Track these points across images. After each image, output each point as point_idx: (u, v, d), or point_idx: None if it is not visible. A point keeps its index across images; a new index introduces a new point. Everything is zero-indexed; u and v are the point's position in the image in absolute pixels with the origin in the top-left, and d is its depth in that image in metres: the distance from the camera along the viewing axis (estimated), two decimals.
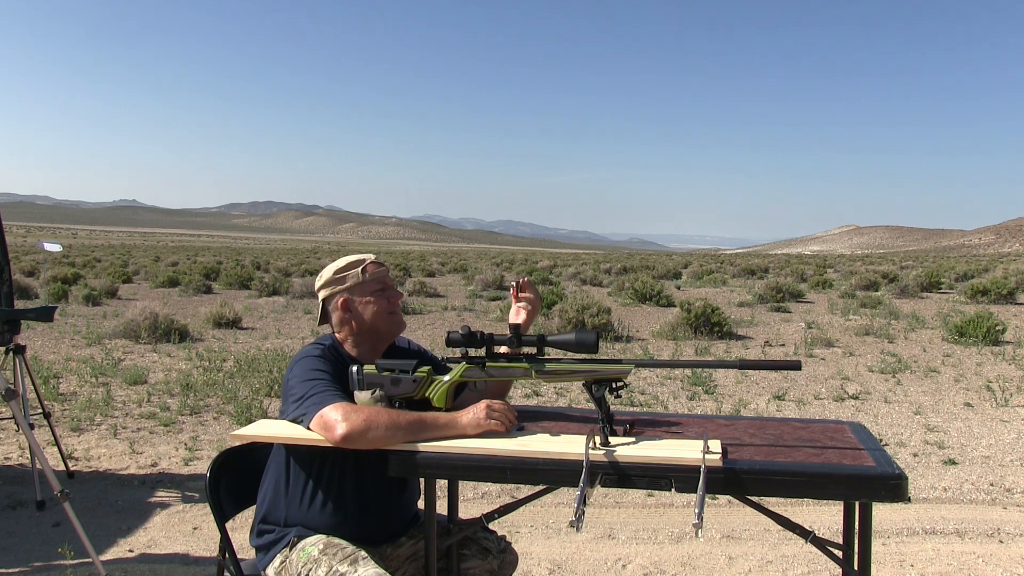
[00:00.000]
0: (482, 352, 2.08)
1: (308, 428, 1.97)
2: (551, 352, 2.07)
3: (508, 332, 2.07)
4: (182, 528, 4.05)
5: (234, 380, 7.53)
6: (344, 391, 2.03)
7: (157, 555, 3.70)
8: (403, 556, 2.19)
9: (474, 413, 1.97)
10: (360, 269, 2.20)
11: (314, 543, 2.00)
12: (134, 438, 5.68)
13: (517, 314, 2.30)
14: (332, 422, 1.89)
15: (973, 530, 4.16)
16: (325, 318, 2.25)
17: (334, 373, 2.08)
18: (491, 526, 2.20)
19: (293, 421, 2.03)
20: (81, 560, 3.47)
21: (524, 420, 2.19)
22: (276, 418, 2.14)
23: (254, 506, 2.22)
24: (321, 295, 2.23)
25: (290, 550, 2.03)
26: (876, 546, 3.80)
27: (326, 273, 2.23)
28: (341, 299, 2.19)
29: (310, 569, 1.94)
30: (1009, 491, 4.80)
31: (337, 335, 2.23)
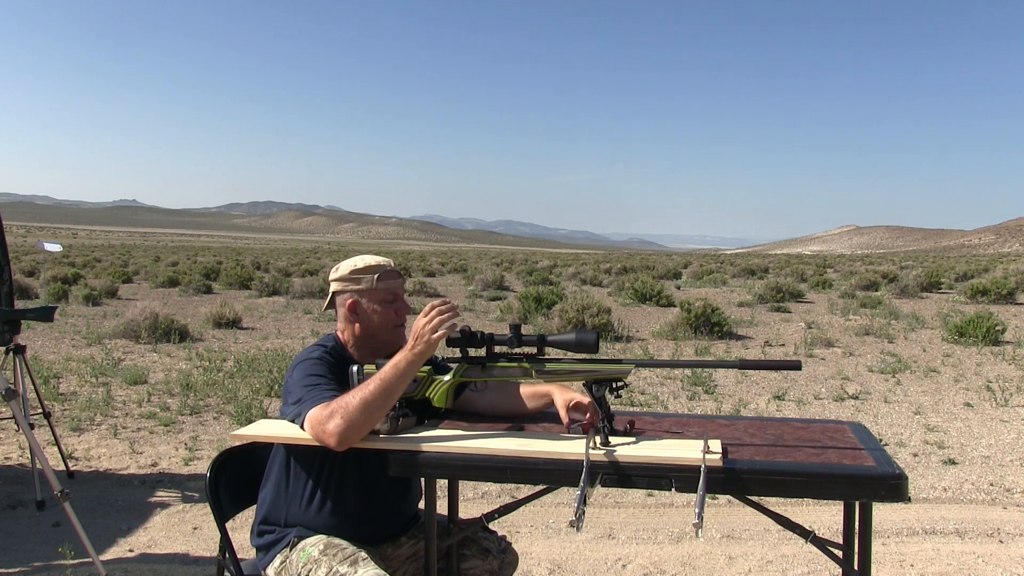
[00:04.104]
0: (482, 352, 2.08)
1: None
2: (551, 352, 2.07)
3: (508, 332, 2.07)
4: (182, 528, 4.05)
5: (234, 380, 7.54)
6: (343, 390, 2.03)
7: (157, 555, 3.70)
8: (403, 556, 2.19)
9: (427, 338, 1.91)
10: (376, 276, 2.19)
11: (314, 543, 2.00)
12: (134, 438, 5.68)
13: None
14: (321, 434, 1.89)
15: (973, 530, 4.16)
16: (332, 306, 2.26)
17: (335, 375, 2.07)
18: (491, 526, 2.20)
19: (291, 422, 2.03)
20: (81, 560, 3.47)
21: (525, 420, 2.19)
22: (276, 418, 2.14)
23: (254, 506, 2.22)
24: (333, 287, 2.24)
25: (290, 550, 2.03)
26: (876, 546, 3.80)
27: (343, 268, 2.22)
28: (350, 300, 2.19)
29: (310, 570, 1.94)
30: (1009, 491, 4.80)
31: (341, 334, 2.23)
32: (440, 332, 1.93)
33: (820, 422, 2.25)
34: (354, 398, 1.89)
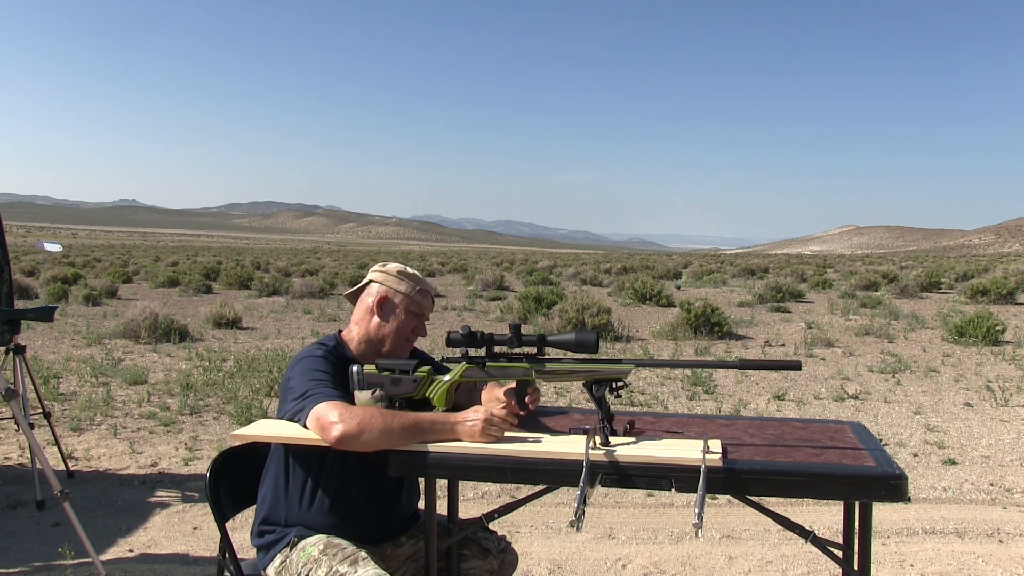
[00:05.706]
0: (482, 352, 2.08)
1: (305, 426, 1.97)
2: (551, 352, 2.07)
3: (508, 332, 2.07)
4: (182, 528, 4.05)
5: (234, 380, 7.54)
6: (345, 391, 2.03)
7: (157, 555, 3.70)
8: (403, 556, 2.19)
9: (472, 424, 1.95)
10: (418, 289, 2.23)
11: (314, 543, 2.00)
12: (134, 438, 5.68)
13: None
14: (328, 423, 1.90)
15: (973, 530, 4.16)
16: (355, 295, 2.28)
17: (336, 374, 2.08)
18: (491, 526, 2.20)
19: (290, 419, 2.03)
20: (81, 560, 3.47)
21: (524, 420, 2.19)
22: (276, 418, 2.14)
23: (254, 506, 2.22)
24: (373, 277, 2.25)
25: (290, 550, 2.03)
26: (876, 546, 3.80)
27: (392, 267, 2.26)
28: (384, 293, 2.21)
29: (310, 569, 1.94)
30: (1009, 491, 4.80)
31: (351, 326, 2.25)
32: (487, 437, 1.93)
33: (820, 422, 2.25)
34: (382, 422, 1.90)
